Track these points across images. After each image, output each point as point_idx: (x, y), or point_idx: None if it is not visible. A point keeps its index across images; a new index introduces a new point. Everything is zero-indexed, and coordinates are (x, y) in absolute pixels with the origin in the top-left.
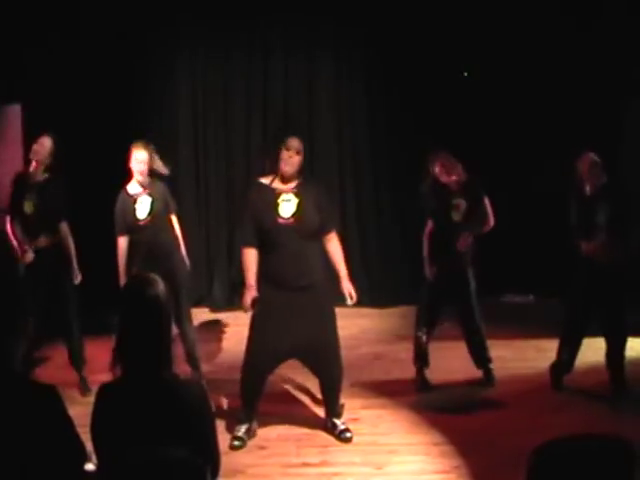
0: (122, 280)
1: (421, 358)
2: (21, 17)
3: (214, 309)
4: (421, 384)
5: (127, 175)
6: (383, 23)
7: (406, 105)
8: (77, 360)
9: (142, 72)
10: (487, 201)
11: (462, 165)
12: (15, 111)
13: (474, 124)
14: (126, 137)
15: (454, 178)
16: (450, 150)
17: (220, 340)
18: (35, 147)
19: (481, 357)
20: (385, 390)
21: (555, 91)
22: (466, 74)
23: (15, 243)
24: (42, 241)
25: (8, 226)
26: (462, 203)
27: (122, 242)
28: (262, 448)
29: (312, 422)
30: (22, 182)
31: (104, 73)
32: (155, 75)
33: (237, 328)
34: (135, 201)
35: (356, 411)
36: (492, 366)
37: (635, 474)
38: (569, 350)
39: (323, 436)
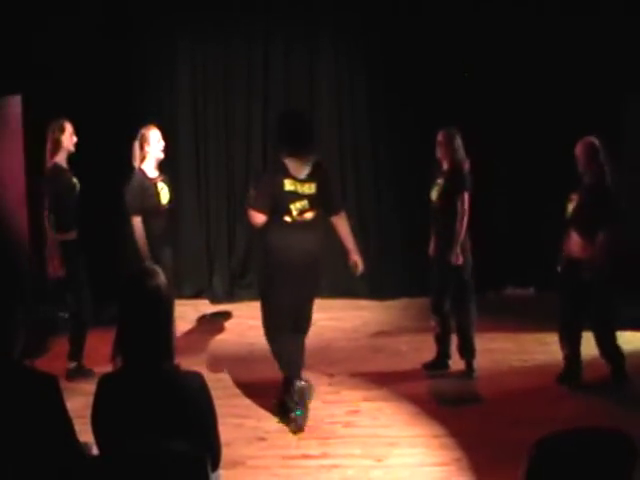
0: (147, 260)
1: (437, 344)
2: (22, 7)
3: (214, 301)
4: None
5: (128, 163)
6: (383, 10)
7: (407, 94)
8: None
9: (142, 62)
10: (465, 197)
11: (459, 155)
12: (16, 102)
13: (475, 116)
14: (126, 128)
15: (441, 157)
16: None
17: (220, 332)
18: (73, 137)
19: (465, 349)
20: (385, 382)
21: (555, 88)
22: (466, 74)
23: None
24: (73, 234)
25: (47, 222)
26: (440, 183)
27: (140, 222)
28: (262, 440)
29: (312, 414)
30: (62, 174)
31: (105, 63)
32: (155, 65)
33: (237, 320)
34: (156, 185)
35: (356, 403)
36: (475, 360)
37: (636, 467)
38: (568, 346)
39: (323, 428)
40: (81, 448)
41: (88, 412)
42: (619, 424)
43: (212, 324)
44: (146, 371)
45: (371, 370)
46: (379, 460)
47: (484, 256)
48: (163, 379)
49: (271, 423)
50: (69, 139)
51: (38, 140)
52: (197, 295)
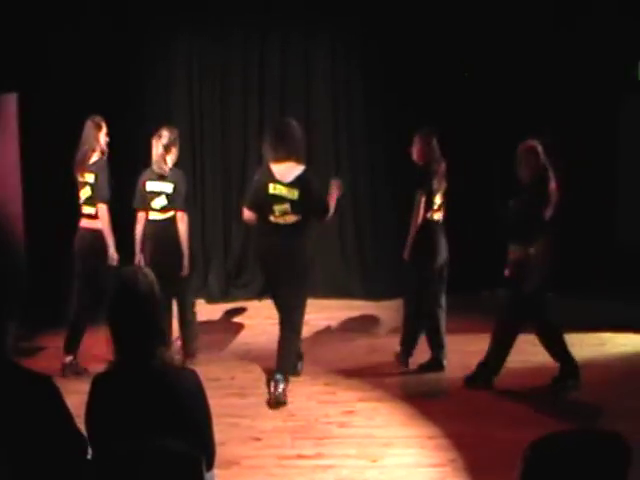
0: (187, 257)
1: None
2: (18, 5)
3: (210, 301)
4: None
5: (127, 162)
6: (381, 10)
7: (404, 95)
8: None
9: (139, 61)
10: (419, 196)
11: (431, 156)
12: (11, 100)
13: (473, 116)
14: (123, 127)
15: (417, 158)
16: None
17: (215, 331)
18: (106, 137)
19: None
20: (381, 383)
21: (554, 88)
22: (466, 74)
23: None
24: None
25: (108, 216)
26: None
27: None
28: (257, 439)
29: (308, 414)
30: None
31: (101, 61)
32: (152, 64)
33: (232, 319)
34: None
35: (352, 404)
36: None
37: (629, 469)
38: (552, 348)
39: (318, 428)
40: (85, 443)
41: (82, 411)
42: (615, 425)
43: (208, 324)
44: (140, 370)
45: (366, 370)
46: (374, 460)
47: (480, 257)
48: (157, 378)
49: (266, 423)
50: (104, 138)
51: (34, 139)
52: None
